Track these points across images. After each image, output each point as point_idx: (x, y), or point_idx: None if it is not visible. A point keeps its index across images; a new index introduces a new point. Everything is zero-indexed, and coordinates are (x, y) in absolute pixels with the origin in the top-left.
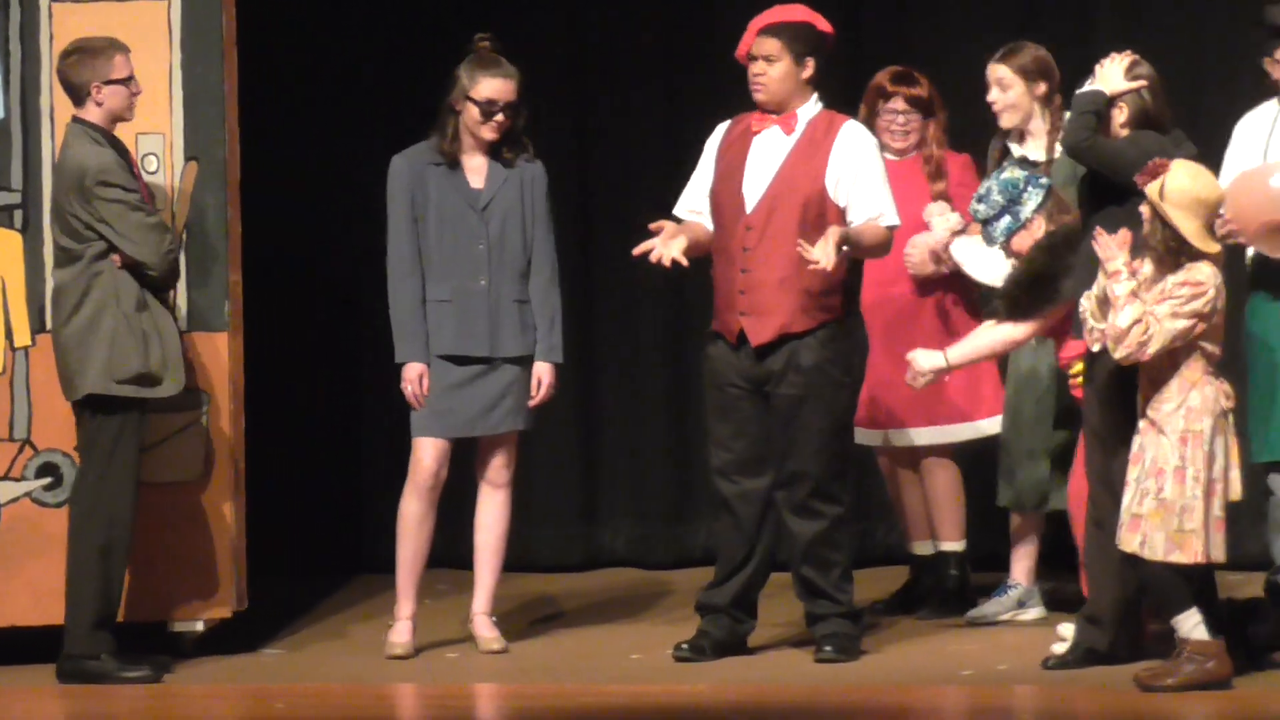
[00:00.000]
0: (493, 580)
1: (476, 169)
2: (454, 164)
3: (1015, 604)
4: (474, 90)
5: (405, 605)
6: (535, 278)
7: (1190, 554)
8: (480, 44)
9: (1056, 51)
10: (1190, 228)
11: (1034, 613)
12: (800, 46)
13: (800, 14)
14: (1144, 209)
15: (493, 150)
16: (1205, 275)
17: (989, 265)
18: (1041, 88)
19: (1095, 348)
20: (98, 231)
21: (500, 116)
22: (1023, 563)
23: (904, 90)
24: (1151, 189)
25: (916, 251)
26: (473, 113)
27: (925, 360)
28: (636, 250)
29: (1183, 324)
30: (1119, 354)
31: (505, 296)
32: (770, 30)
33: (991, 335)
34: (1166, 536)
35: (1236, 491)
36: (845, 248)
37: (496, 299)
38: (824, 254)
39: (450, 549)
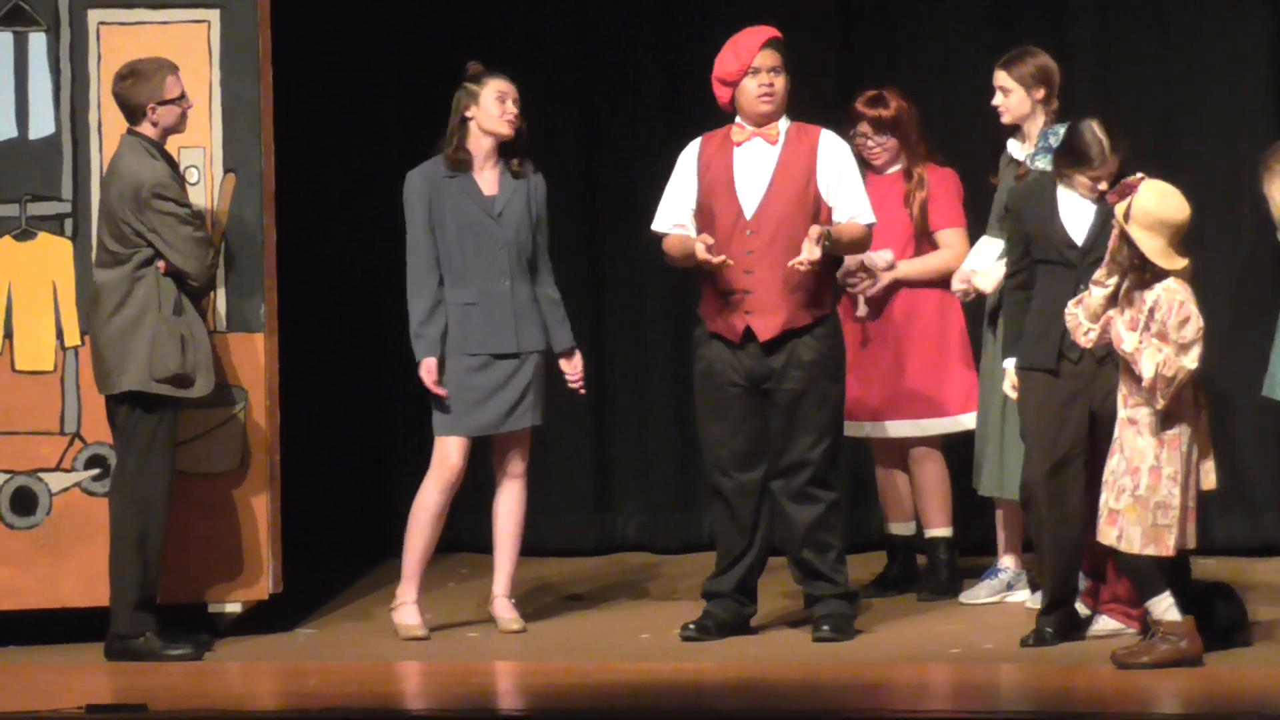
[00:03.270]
0: (511, 565)
1: (488, 180)
2: (466, 175)
3: (1004, 586)
4: (484, 92)
5: (413, 590)
6: (546, 277)
7: (1164, 548)
8: (473, 69)
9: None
10: (1152, 246)
11: (1021, 595)
12: (789, 61)
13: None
14: (1114, 225)
15: (503, 160)
16: (1184, 295)
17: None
18: (1040, 92)
19: (1086, 345)
20: (147, 240)
21: (513, 107)
22: (1010, 548)
23: (869, 113)
24: (1119, 209)
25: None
26: (489, 111)
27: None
28: (705, 257)
29: (1195, 351)
30: (1161, 404)
31: (523, 295)
32: (775, 44)
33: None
34: (1143, 531)
35: (1210, 481)
36: (826, 244)
37: (518, 298)
38: (809, 252)
39: (473, 534)
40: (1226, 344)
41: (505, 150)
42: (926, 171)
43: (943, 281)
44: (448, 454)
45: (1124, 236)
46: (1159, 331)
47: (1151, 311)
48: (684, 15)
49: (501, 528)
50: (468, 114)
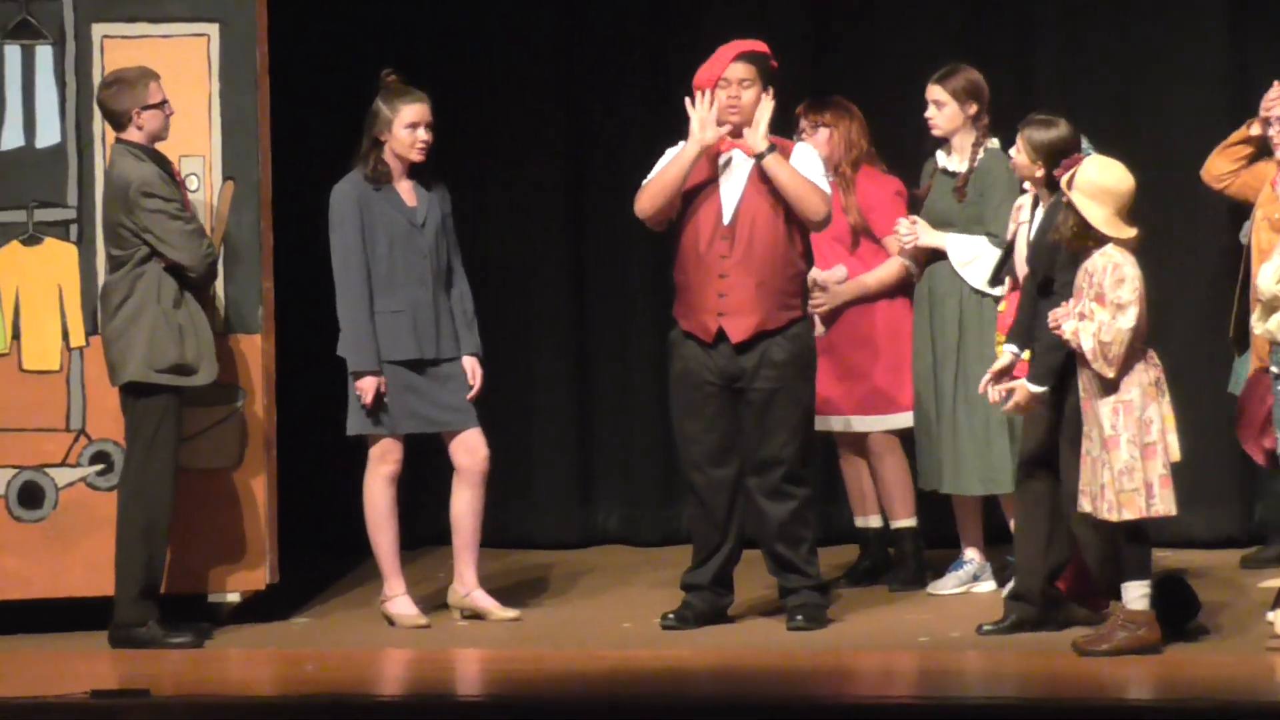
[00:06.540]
0: (476, 558)
1: (406, 191)
2: (389, 187)
3: (970, 578)
4: (398, 118)
5: (400, 583)
6: (459, 283)
7: (1135, 510)
8: (389, 78)
9: (997, 71)
10: (1098, 215)
11: (987, 586)
12: (766, 76)
13: (764, 47)
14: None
15: (414, 173)
16: (1121, 258)
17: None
18: (972, 108)
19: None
20: (142, 239)
21: (424, 134)
22: (972, 541)
23: (813, 117)
24: (1064, 180)
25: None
26: (401, 138)
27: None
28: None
29: (1132, 313)
30: (1110, 372)
31: (442, 303)
32: (748, 57)
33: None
34: (1116, 497)
35: (1175, 453)
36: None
37: (438, 306)
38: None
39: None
40: (1189, 340)
41: (415, 167)
42: (860, 175)
43: (898, 289)
44: (384, 453)
45: (1069, 206)
46: (1096, 295)
47: (1090, 276)
48: (668, 21)
49: (462, 528)
50: (381, 137)
